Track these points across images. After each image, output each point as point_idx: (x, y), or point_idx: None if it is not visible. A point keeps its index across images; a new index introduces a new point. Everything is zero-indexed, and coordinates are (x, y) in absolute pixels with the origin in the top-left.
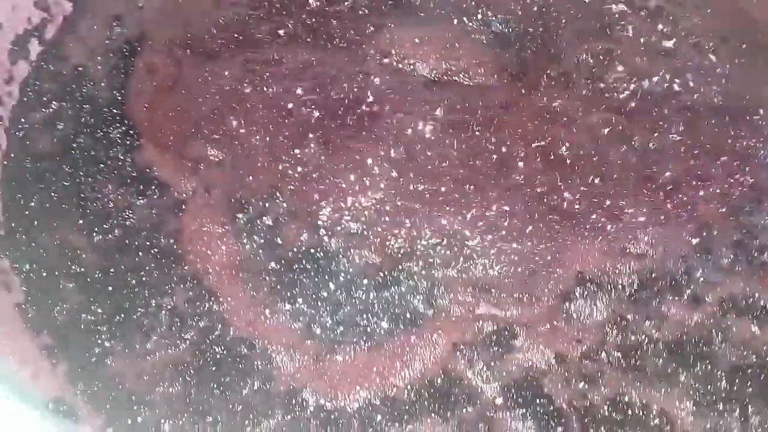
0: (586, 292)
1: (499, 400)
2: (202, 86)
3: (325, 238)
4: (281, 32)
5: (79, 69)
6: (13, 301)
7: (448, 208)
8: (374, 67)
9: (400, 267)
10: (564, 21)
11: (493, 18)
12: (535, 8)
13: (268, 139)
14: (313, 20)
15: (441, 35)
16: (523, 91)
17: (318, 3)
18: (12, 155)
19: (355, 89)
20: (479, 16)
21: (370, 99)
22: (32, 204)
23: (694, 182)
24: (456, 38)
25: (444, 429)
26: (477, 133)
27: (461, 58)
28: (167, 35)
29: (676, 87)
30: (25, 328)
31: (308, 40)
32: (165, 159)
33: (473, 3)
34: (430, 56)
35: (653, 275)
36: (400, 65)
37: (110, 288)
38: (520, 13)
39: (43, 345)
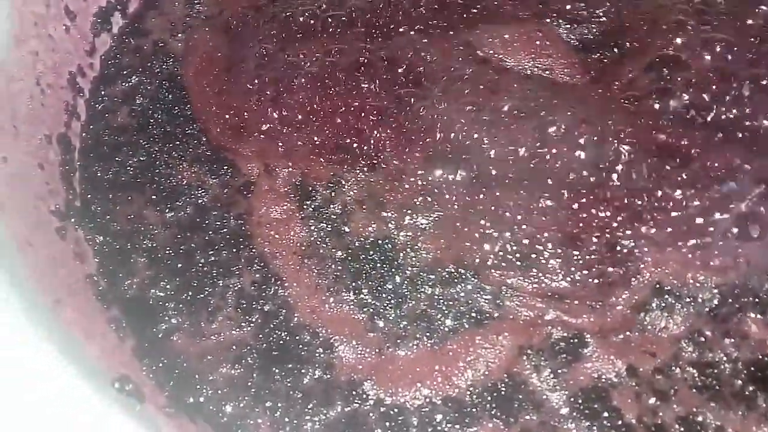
0: (663, 304)
1: (564, 410)
2: (270, 68)
3: (394, 230)
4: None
5: (160, 44)
6: (85, 273)
7: (521, 213)
8: (463, 60)
9: (467, 264)
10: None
11: (583, 24)
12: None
13: (337, 126)
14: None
15: (533, 35)
16: (600, 91)
17: None
18: (91, 127)
19: (438, 80)
20: (573, 20)
21: (453, 91)
22: (108, 176)
23: None
24: (547, 38)
25: None
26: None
27: (551, 57)
28: (243, 13)
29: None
30: (95, 300)
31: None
32: (223, 139)
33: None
34: (519, 53)
35: (735, 291)
36: (490, 60)
37: (179, 265)
38: (604, 20)
39: (112, 319)
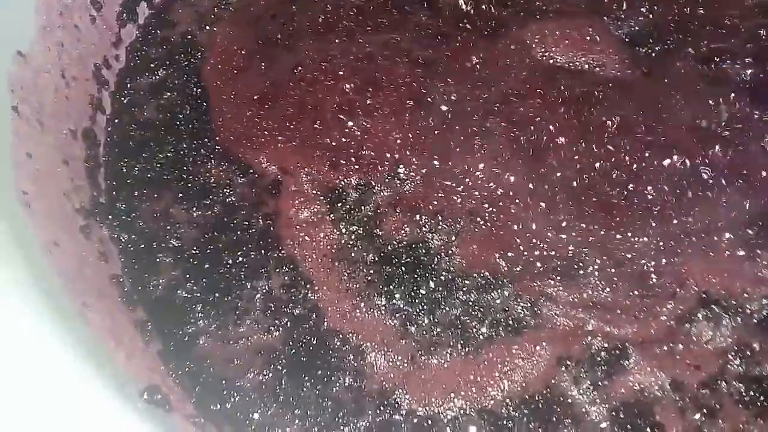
0: (709, 315)
1: (604, 424)
2: (287, 68)
3: (428, 233)
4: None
5: (188, 37)
6: (110, 273)
7: (563, 220)
8: (515, 58)
9: (503, 273)
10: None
11: (631, 18)
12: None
13: (364, 129)
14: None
15: (584, 30)
16: (651, 86)
17: None
18: (116, 121)
19: (487, 80)
20: (621, 14)
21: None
22: (135, 172)
23: None
24: (598, 34)
25: None
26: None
27: (602, 53)
28: (271, 6)
29: None
30: (120, 302)
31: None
32: (234, 142)
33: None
34: (571, 50)
35: None
36: (542, 57)
37: (206, 265)
38: (652, 16)
39: (138, 321)
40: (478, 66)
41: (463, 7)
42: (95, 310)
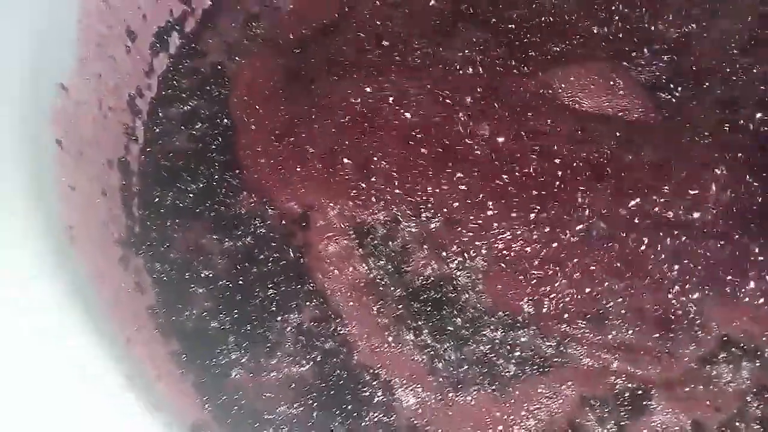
0: (729, 357)
1: None
2: (311, 105)
3: (455, 270)
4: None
5: (217, 67)
6: (145, 304)
7: (586, 264)
8: (540, 101)
9: (526, 315)
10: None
11: (653, 64)
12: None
13: (388, 171)
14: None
15: (608, 75)
16: (674, 130)
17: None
18: (149, 150)
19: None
20: (642, 61)
21: (526, 133)
22: (167, 202)
23: None
24: (621, 79)
25: None
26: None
27: (626, 98)
28: (299, 40)
29: None
30: (157, 334)
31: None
32: (260, 171)
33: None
34: (595, 94)
35: None
36: (567, 102)
37: (238, 297)
38: (672, 62)
39: (173, 352)
40: (501, 110)
41: (489, 51)
42: (137, 342)
